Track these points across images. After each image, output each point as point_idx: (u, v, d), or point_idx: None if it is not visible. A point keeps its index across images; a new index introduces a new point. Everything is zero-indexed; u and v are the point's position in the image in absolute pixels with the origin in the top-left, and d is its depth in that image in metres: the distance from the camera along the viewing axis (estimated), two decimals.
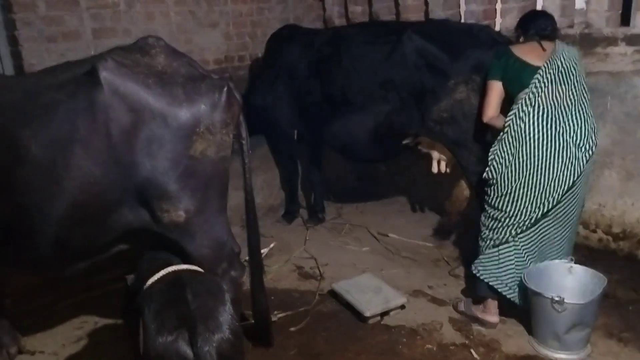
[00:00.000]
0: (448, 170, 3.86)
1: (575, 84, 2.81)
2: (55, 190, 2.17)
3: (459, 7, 4.40)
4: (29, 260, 2.43)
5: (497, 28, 4.03)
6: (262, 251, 3.09)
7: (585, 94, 2.86)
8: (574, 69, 2.81)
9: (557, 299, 2.63)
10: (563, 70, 2.77)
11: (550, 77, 2.76)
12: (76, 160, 2.15)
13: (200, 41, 4.71)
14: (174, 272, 1.96)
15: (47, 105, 2.18)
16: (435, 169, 3.87)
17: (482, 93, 3.08)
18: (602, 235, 3.74)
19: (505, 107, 2.93)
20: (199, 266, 2.25)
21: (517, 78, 2.83)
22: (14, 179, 2.16)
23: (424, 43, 3.51)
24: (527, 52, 2.83)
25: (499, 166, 2.86)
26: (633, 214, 3.58)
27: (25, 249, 2.33)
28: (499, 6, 4.12)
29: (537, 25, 2.88)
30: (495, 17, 4.19)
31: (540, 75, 2.75)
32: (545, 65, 2.77)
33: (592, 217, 3.74)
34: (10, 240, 2.32)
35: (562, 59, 2.77)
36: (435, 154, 3.83)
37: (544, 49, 2.81)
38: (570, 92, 2.79)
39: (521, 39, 2.96)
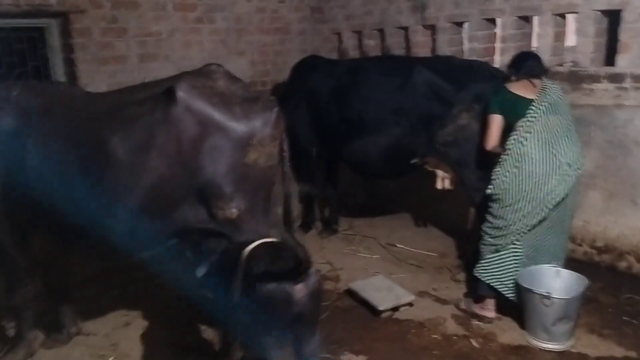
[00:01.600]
0: (451, 187, 4.33)
1: (563, 114, 3.33)
2: (134, 187, 2.62)
3: (462, 45, 4.94)
4: (104, 248, 2.87)
5: (496, 64, 4.55)
6: None
7: (571, 123, 3.37)
8: (561, 102, 3.33)
9: (545, 294, 3.09)
10: (553, 103, 3.29)
11: (543, 108, 3.26)
12: (153, 163, 2.61)
13: (229, 67, 5.04)
14: (265, 242, 2.43)
15: (131, 117, 2.66)
16: (439, 186, 4.33)
17: (484, 125, 3.54)
18: (587, 248, 4.22)
19: (504, 134, 3.40)
20: None
21: (514, 110, 3.33)
22: (102, 177, 2.62)
23: (432, 76, 4.03)
24: (520, 88, 3.34)
25: (502, 183, 3.32)
26: (614, 230, 4.07)
27: (103, 238, 2.77)
28: (498, 45, 4.66)
29: (527, 66, 3.38)
30: (494, 55, 4.73)
31: (534, 106, 3.26)
32: (538, 98, 3.28)
33: (578, 233, 4.22)
34: (91, 229, 2.76)
35: (551, 93, 3.29)
36: (440, 172, 4.30)
37: (534, 85, 3.32)
38: (559, 121, 3.30)
39: (513, 78, 3.45)
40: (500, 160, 3.36)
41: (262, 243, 2.39)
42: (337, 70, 4.66)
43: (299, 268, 2.26)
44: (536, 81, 3.34)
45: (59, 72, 4.42)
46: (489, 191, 3.40)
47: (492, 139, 3.42)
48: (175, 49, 4.85)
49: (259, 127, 2.74)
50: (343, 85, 4.51)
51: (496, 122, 3.40)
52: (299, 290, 2.23)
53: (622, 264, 4.03)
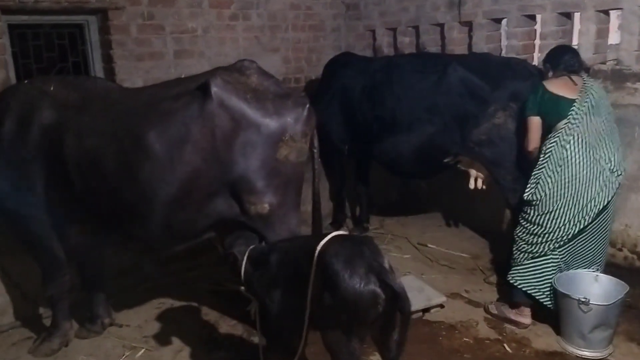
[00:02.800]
0: (484, 187, 4.23)
1: (606, 116, 3.19)
2: (169, 179, 2.67)
3: (500, 42, 4.83)
4: (139, 239, 2.93)
5: (535, 62, 4.42)
6: None
7: (613, 124, 3.23)
8: (603, 102, 3.19)
9: (583, 300, 2.98)
10: (595, 104, 3.15)
11: (585, 109, 3.13)
12: (188, 157, 2.65)
13: (263, 64, 5.06)
14: (341, 236, 2.32)
15: (167, 112, 2.70)
16: (472, 186, 4.23)
17: (523, 127, 3.41)
18: (628, 253, 4.06)
19: (544, 135, 3.28)
20: None
21: (554, 110, 3.18)
22: (139, 170, 2.67)
23: (467, 74, 3.94)
24: (560, 87, 3.19)
25: (542, 188, 3.18)
26: None
27: (140, 229, 2.82)
28: (537, 42, 4.53)
29: (565, 62, 3.24)
30: (534, 52, 4.60)
31: (576, 107, 3.12)
32: (580, 98, 3.14)
33: (619, 237, 4.05)
34: (128, 221, 2.82)
35: (593, 93, 3.15)
36: (473, 172, 4.20)
37: (575, 83, 3.18)
38: (602, 123, 3.17)
39: (550, 74, 3.32)
40: (539, 163, 3.24)
41: (335, 236, 2.27)
42: (370, 68, 4.61)
43: (383, 265, 2.14)
44: (576, 78, 3.21)
45: (97, 68, 4.49)
46: (526, 196, 3.27)
47: (533, 142, 3.29)
48: (210, 45, 4.88)
49: (291, 123, 2.75)
50: (376, 83, 4.46)
51: (535, 124, 3.27)
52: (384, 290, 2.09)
53: None
